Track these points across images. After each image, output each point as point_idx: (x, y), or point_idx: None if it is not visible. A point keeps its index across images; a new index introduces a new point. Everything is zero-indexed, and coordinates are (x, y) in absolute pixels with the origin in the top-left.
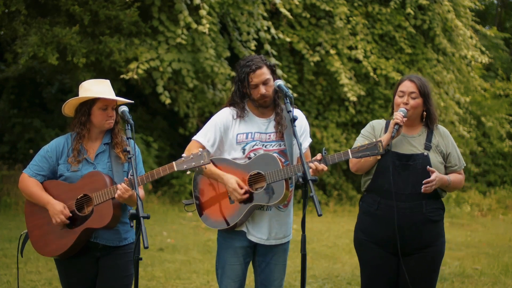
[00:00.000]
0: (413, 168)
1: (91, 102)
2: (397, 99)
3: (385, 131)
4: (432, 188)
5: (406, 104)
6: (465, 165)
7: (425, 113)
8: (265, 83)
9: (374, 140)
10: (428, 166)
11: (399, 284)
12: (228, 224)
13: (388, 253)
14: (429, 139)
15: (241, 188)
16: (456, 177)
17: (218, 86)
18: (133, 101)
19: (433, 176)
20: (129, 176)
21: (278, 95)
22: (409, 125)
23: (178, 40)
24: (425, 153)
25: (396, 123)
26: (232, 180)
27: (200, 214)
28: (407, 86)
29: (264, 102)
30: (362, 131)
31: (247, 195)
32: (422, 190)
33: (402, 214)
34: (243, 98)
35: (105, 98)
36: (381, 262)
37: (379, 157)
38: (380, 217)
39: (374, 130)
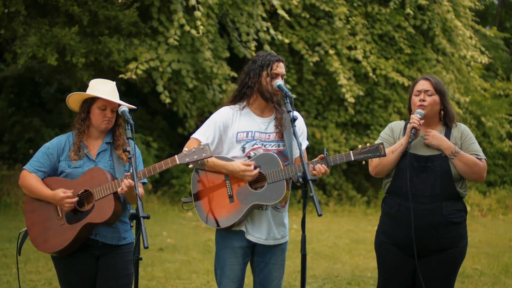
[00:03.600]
0: (432, 169)
1: (91, 100)
2: (414, 99)
3: (404, 133)
4: (430, 140)
5: (423, 101)
6: (485, 158)
7: (442, 112)
8: (283, 78)
9: (393, 142)
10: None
11: (416, 286)
12: (227, 223)
13: (405, 255)
14: (447, 138)
15: (249, 165)
16: (469, 156)
17: (216, 86)
18: (135, 107)
19: (433, 132)
20: (130, 171)
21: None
22: (428, 125)
23: (171, 40)
24: (443, 154)
25: (413, 127)
26: (237, 164)
27: (199, 213)
28: (422, 84)
29: (276, 96)
30: (381, 133)
31: (257, 170)
32: (424, 141)
33: (421, 216)
34: (250, 90)
35: (103, 99)
36: (398, 264)
37: (381, 158)
38: (400, 219)
39: (393, 132)
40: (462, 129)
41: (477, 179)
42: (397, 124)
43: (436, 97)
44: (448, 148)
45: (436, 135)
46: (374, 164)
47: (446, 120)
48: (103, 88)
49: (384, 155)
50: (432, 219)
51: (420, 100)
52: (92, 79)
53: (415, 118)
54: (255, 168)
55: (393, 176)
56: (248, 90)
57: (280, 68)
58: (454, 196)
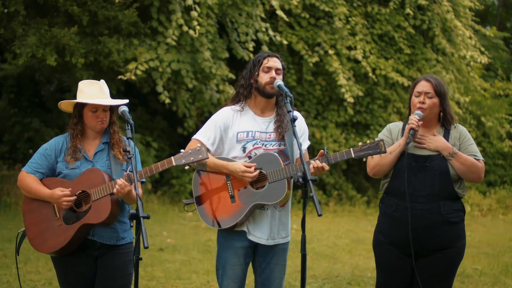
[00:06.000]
0: (430, 169)
1: (81, 104)
2: (414, 99)
3: (402, 134)
4: (428, 143)
5: (423, 103)
6: (483, 160)
7: (441, 113)
8: (277, 72)
9: (392, 143)
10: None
11: (414, 286)
12: (229, 224)
13: (404, 255)
14: (445, 139)
15: (249, 167)
16: (467, 156)
17: (214, 86)
18: (127, 100)
19: (430, 137)
20: (127, 171)
21: (279, 96)
22: (426, 126)
23: (168, 40)
24: (442, 154)
25: (411, 128)
26: (238, 165)
27: (201, 213)
28: (423, 85)
29: (271, 88)
30: (379, 134)
31: (257, 172)
32: (422, 145)
33: (419, 216)
34: (249, 91)
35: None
36: (396, 263)
37: (385, 156)
38: (398, 219)
39: (391, 133)
40: (460, 130)
41: (475, 180)
42: (395, 125)
43: (436, 100)
44: (446, 149)
45: (433, 140)
46: (372, 164)
47: (444, 121)
48: (91, 91)
49: (385, 151)
50: (430, 218)
51: (419, 102)
52: (81, 81)
53: (414, 119)
54: (256, 169)
55: (391, 176)
56: (246, 91)
57: (273, 62)
58: (452, 196)
